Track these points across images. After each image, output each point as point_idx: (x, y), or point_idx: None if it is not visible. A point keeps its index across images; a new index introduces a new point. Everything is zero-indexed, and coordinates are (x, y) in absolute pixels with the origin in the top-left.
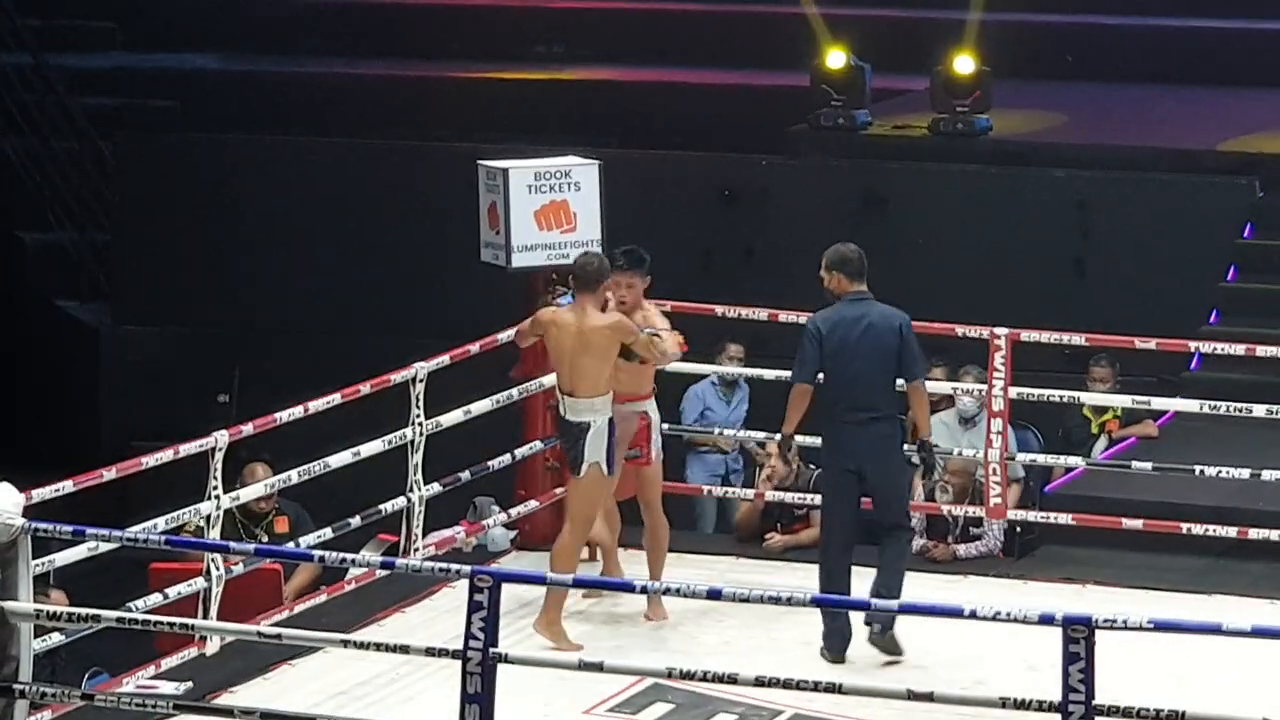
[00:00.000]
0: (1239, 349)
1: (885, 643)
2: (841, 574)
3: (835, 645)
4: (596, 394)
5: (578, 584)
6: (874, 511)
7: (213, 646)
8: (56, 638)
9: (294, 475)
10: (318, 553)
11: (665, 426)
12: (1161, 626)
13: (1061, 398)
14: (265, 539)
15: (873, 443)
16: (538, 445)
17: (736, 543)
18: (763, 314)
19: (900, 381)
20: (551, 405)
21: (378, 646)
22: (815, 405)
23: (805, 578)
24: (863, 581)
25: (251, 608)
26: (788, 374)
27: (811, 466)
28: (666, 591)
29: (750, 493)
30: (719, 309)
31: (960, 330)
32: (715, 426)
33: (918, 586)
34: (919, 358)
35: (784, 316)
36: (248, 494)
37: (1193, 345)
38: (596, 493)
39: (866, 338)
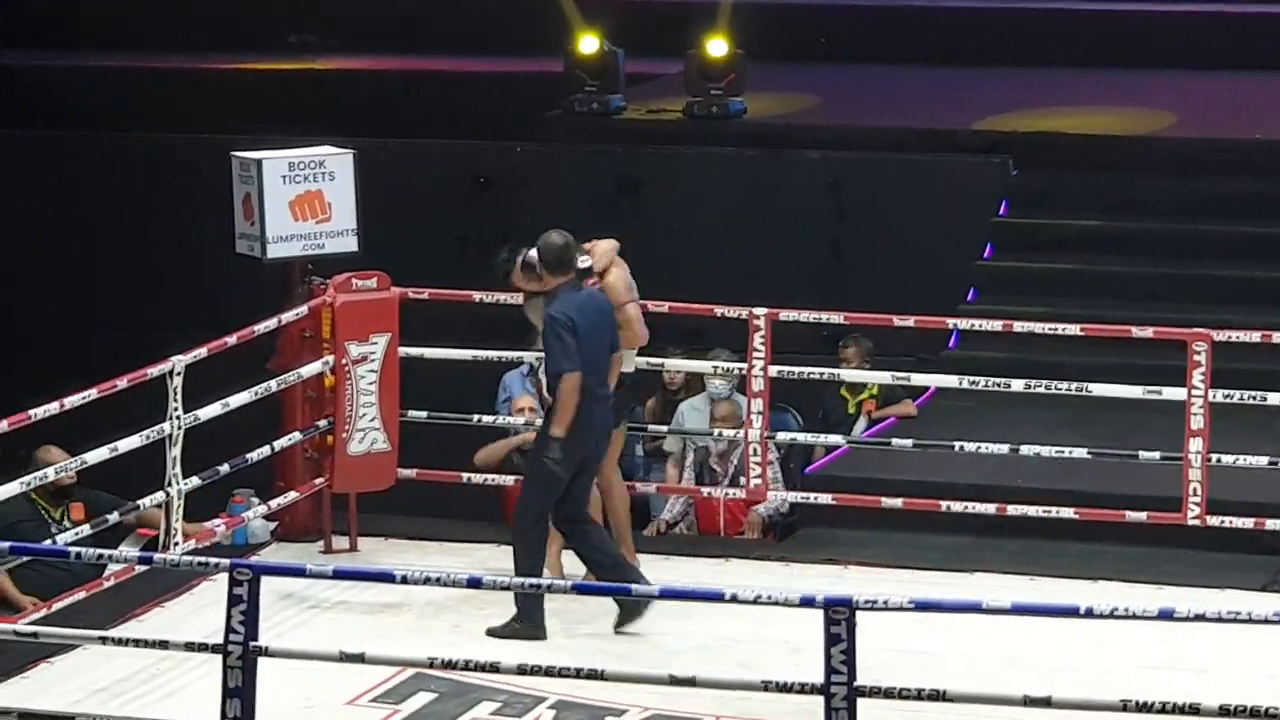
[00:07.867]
0: (997, 325)
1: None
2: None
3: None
4: None
5: (338, 575)
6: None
7: None
8: None
9: (50, 473)
10: (75, 549)
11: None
12: (922, 606)
13: (821, 374)
14: (68, 524)
15: (607, 420)
16: (296, 436)
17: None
18: (521, 300)
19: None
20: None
21: (137, 643)
22: None
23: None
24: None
25: None
26: None
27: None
28: (426, 581)
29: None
30: (477, 295)
31: (719, 310)
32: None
33: (680, 571)
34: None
35: None
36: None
37: (951, 322)
38: None
39: (601, 319)
